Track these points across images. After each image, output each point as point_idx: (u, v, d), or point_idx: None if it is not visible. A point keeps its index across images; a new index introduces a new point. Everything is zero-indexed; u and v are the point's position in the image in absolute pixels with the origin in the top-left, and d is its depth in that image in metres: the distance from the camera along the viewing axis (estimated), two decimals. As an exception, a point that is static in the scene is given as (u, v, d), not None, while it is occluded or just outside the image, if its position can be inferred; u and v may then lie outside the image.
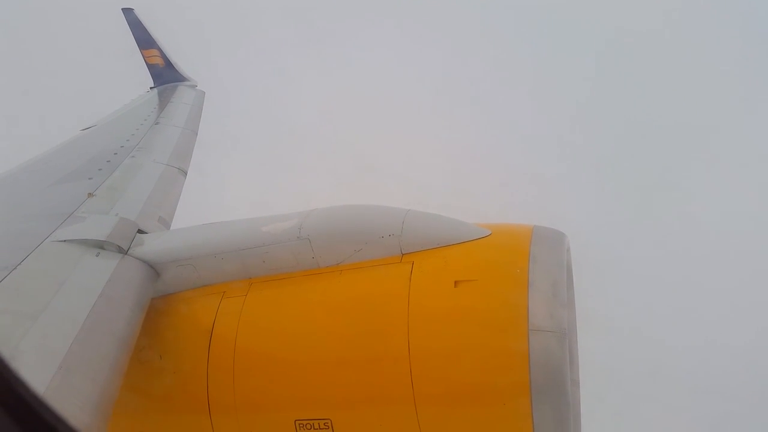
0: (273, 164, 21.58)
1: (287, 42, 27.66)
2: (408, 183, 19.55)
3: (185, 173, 6.03)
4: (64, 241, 3.44)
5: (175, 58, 12.09)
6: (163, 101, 9.83)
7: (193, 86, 11.71)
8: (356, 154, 21.87)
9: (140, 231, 3.87)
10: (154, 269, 3.51)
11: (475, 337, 2.87)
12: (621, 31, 25.97)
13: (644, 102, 24.27)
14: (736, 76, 24.18)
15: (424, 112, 25.10)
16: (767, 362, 15.05)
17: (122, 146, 6.04)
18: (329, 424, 3.05)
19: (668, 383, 15.08)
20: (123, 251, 3.51)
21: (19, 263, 3.10)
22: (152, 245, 3.63)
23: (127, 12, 11.56)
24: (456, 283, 2.99)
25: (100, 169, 5.11)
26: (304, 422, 3.08)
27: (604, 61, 26.14)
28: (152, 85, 11.78)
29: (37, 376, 2.33)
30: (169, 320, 3.49)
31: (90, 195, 4.32)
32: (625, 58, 25.99)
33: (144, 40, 11.80)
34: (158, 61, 11.93)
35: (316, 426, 3.06)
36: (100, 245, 3.47)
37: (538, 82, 26.23)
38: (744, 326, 15.91)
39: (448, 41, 28.12)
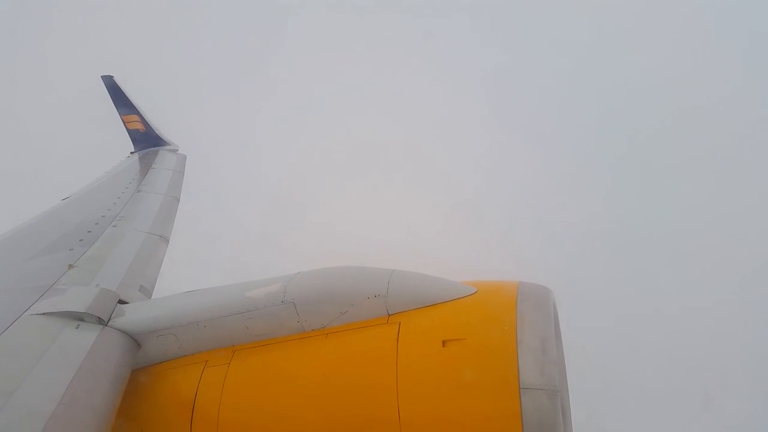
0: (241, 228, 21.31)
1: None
2: (385, 243, 19.32)
3: (167, 240, 6.00)
4: (44, 314, 3.39)
5: (155, 122, 12.16)
6: (144, 167, 9.83)
7: (174, 150, 11.73)
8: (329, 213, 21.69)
9: (121, 301, 3.82)
10: (134, 340, 3.45)
11: (466, 399, 2.83)
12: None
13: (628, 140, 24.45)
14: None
15: (395, 169, 25.13)
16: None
17: (103, 216, 6.01)
18: None
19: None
20: (103, 323, 3.45)
21: None
22: (132, 316, 3.58)
23: (107, 79, 11.65)
24: (444, 342, 2.97)
25: (81, 240, 5.07)
26: None
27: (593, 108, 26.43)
28: (132, 150, 11.81)
29: None
30: (150, 393, 3.39)
31: (70, 266, 4.28)
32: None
33: (124, 106, 11.88)
34: (138, 126, 11.95)
35: None
36: (79, 317, 3.42)
37: (520, 131, 26.47)
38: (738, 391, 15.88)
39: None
